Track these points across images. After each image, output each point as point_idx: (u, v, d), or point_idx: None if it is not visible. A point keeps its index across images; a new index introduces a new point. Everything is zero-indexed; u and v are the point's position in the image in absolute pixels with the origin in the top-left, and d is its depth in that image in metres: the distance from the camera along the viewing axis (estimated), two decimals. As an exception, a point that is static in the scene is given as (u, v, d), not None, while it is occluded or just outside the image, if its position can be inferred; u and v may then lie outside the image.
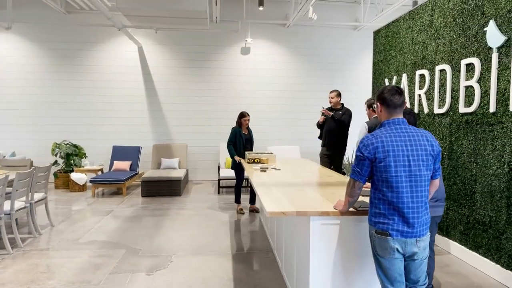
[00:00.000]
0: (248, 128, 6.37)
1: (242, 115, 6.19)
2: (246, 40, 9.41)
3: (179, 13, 6.81)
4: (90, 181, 7.71)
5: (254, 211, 6.40)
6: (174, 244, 4.77)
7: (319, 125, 6.74)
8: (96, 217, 6.04)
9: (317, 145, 9.79)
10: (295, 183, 3.85)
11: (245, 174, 6.34)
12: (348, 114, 6.46)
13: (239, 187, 6.31)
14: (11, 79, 9.20)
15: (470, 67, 4.18)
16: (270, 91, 9.89)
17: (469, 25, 4.18)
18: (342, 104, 6.63)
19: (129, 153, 9.00)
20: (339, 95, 6.55)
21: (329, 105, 6.66)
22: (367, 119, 4.68)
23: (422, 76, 5.13)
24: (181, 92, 9.66)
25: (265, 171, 4.65)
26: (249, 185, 7.63)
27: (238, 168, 6.17)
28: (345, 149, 6.63)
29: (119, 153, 8.99)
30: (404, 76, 5.58)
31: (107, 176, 7.81)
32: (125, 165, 8.71)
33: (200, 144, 9.76)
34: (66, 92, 9.33)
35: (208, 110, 9.74)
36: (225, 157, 9.18)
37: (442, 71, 4.66)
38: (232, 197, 7.72)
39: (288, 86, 9.93)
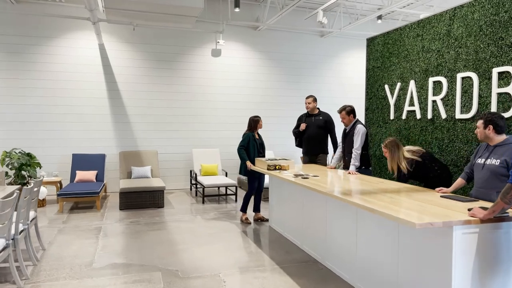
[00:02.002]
0: (258, 133, 6.08)
1: (256, 120, 5.88)
2: (218, 42, 9.05)
3: (171, 9, 6.29)
4: (59, 195, 6.72)
5: (260, 220, 6.11)
6: (209, 261, 4.32)
7: (297, 133, 6.43)
8: (87, 236, 5.25)
9: (291, 149, 9.83)
10: (370, 191, 3.71)
11: (266, 181, 6.05)
12: (329, 119, 6.33)
13: (250, 196, 5.96)
14: None
15: (503, 75, 4.45)
16: (241, 95, 9.63)
17: (501, 35, 4.45)
18: (319, 109, 6.49)
19: (93, 161, 8.07)
20: (315, 100, 6.39)
21: (306, 111, 6.45)
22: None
23: (437, 83, 5.35)
24: (148, 94, 8.95)
25: (308, 178, 4.44)
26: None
27: (251, 175, 5.84)
28: (327, 154, 6.44)
29: (80, 162, 8.00)
30: (412, 82, 5.77)
31: (77, 188, 6.88)
32: (90, 175, 7.78)
33: (170, 151, 9.13)
34: (14, 93, 8.06)
35: (177, 115, 9.15)
36: (200, 164, 8.71)
37: (466, 79, 4.91)
38: (220, 206, 7.31)
39: (259, 91, 9.77)
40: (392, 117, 6.19)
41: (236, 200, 7.74)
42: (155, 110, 8.98)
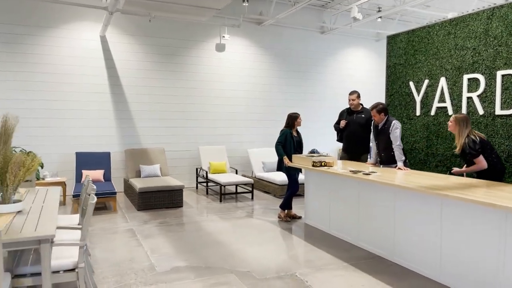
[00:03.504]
0: (297, 130, 5.96)
1: (295, 117, 5.76)
2: (223, 36, 8.82)
3: (196, 1, 6.05)
4: (74, 196, 6.26)
5: (292, 217, 6.02)
6: (273, 260, 4.19)
7: (338, 129, 6.41)
8: (125, 240, 4.93)
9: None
10: (452, 186, 3.74)
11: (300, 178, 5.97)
12: (371, 116, 6.35)
13: (294, 194, 5.83)
14: None
15: (551, 73, 4.65)
16: (245, 91, 9.47)
17: (548, 35, 4.64)
18: (362, 105, 6.52)
19: (98, 160, 7.62)
20: (359, 96, 6.43)
21: (349, 107, 6.46)
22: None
23: (472, 80, 5.51)
24: (150, 90, 8.56)
25: (370, 174, 4.42)
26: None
27: (292, 174, 5.73)
28: (368, 153, 6.52)
29: (85, 160, 7.53)
30: (443, 79, 5.91)
31: (104, 189, 6.45)
32: (98, 174, 7.33)
33: (175, 148, 8.80)
34: (7, 86, 7.41)
35: (181, 111, 8.84)
36: (208, 162, 8.47)
37: (507, 76, 5.09)
38: (240, 204, 7.15)
39: (263, 87, 9.65)
40: (418, 113, 6.30)
41: (252, 198, 7.60)
42: (158, 106, 8.62)
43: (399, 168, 4.94)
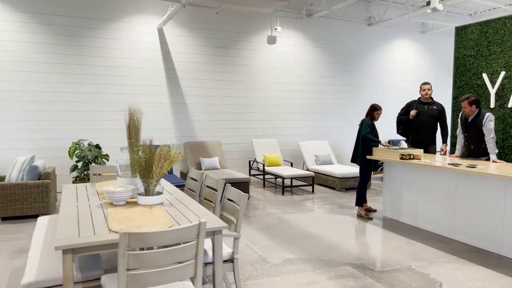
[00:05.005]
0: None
1: (375, 108, 5.72)
2: (276, 28, 8.78)
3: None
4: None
5: (368, 210, 6.01)
6: (383, 253, 4.19)
7: (404, 120, 6.26)
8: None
9: (343, 140, 9.77)
10: None
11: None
12: (443, 109, 6.26)
13: (364, 187, 5.81)
14: (-4, 60, 6.96)
15: None
16: (294, 84, 9.43)
17: None
18: (432, 98, 6.41)
19: (160, 153, 7.63)
20: (431, 87, 6.33)
21: (419, 98, 6.36)
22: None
23: (559, 72, 5.43)
24: (205, 83, 8.56)
25: (475, 167, 4.39)
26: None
27: (367, 166, 5.72)
28: (435, 145, 6.37)
29: (147, 153, 7.54)
30: (523, 71, 5.84)
31: (173, 181, 6.48)
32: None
33: (228, 141, 8.81)
34: (68, 80, 7.45)
35: (234, 104, 8.83)
36: (263, 154, 8.48)
37: None
38: (304, 197, 7.15)
39: (312, 79, 9.60)
40: (492, 105, 6.23)
41: (312, 191, 7.60)
42: (212, 98, 8.62)
43: (493, 161, 4.90)
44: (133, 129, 3.42)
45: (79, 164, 6.86)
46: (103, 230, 2.36)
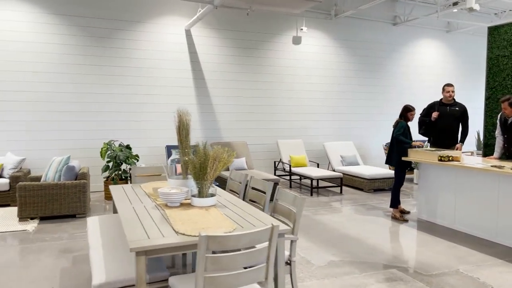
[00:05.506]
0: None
1: (408, 109, 5.67)
2: (301, 29, 8.76)
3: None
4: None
5: (402, 212, 5.96)
6: (424, 257, 4.15)
7: (426, 121, 6.13)
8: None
9: (368, 140, 9.71)
10: None
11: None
12: (466, 110, 6.13)
13: (399, 189, 5.75)
14: (27, 63, 7.07)
15: None
16: (319, 84, 9.40)
17: None
18: (454, 99, 6.28)
19: (188, 153, 7.67)
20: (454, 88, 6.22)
21: (440, 99, 6.21)
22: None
23: None
24: (231, 84, 8.59)
25: (503, 168, 4.32)
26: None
27: (402, 168, 5.66)
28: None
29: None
30: None
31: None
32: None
33: (254, 142, 8.82)
34: (98, 81, 7.53)
35: (260, 104, 8.84)
36: (289, 155, 8.46)
37: None
38: (334, 198, 7.12)
39: (336, 79, 9.56)
40: (528, 107, 6.12)
41: (341, 192, 7.56)
42: (237, 99, 8.64)
43: (535, 163, 4.82)
44: (183, 131, 3.43)
45: (110, 164, 6.93)
46: (169, 231, 2.37)
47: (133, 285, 2.36)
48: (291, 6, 6.75)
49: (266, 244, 2.16)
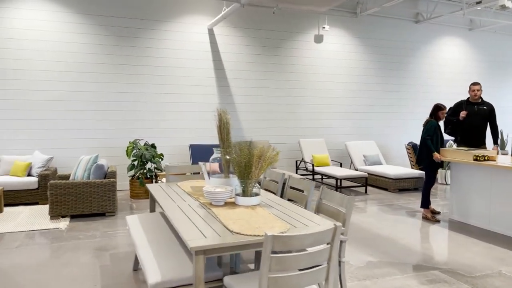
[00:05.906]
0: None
1: (439, 108, 5.58)
2: (324, 27, 8.69)
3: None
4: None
5: (432, 212, 5.87)
6: (463, 258, 4.07)
7: (454, 121, 6.06)
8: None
9: (390, 139, 9.61)
10: None
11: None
12: (493, 109, 6.02)
13: (429, 189, 5.66)
14: (53, 62, 7.13)
15: None
16: (341, 83, 9.32)
17: None
18: (481, 98, 6.16)
19: (211, 152, 7.68)
20: (481, 87, 6.11)
21: (468, 98, 6.09)
22: None
23: None
24: (253, 82, 8.56)
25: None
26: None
27: (432, 168, 5.58)
28: (485, 145, 6.04)
29: (199, 153, 7.61)
30: None
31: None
32: (214, 166, 7.36)
33: (275, 141, 8.79)
34: (124, 80, 7.57)
35: (281, 103, 8.80)
36: (311, 154, 8.41)
37: None
38: (361, 198, 7.06)
39: (358, 78, 9.48)
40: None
41: (366, 192, 7.49)
42: (260, 98, 8.61)
43: None
44: (224, 130, 3.41)
45: (136, 163, 6.95)
46: (223, 231, 2.35)
47: (189, 285, 2.35)
48: (317, 4, 6.69)
49: (324, 245, 2.13)
